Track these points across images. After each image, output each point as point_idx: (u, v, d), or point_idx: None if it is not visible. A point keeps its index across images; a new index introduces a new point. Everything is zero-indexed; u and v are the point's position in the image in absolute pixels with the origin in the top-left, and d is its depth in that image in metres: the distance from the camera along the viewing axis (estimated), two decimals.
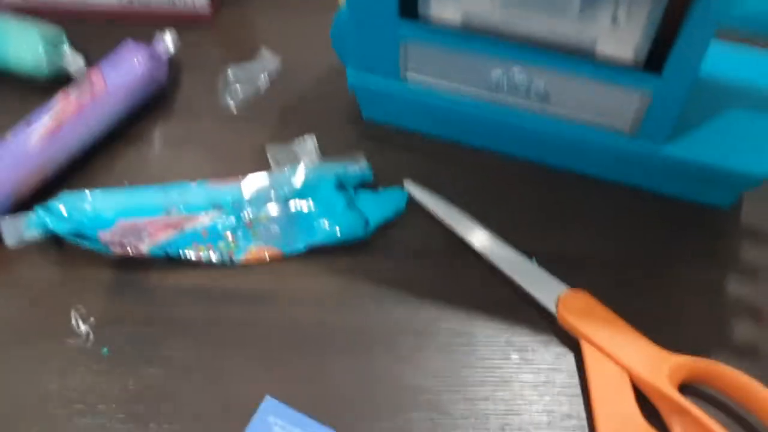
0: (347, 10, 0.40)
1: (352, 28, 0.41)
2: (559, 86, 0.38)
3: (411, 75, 0.42)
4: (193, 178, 0.44)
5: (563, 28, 0.36)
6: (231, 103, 0.49)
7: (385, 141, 0.46)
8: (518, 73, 0.39)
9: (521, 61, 0.38)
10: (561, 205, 0.43)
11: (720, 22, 0.32)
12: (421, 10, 0.38)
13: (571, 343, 0.37)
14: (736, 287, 0.40)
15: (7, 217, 0.40)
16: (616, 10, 0.35)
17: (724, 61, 0.40)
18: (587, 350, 0.36)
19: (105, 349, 0.38)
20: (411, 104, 0.44)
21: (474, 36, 0.38)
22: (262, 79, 0.49)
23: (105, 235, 0.40)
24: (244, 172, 0.44)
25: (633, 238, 0.42)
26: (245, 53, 0.51)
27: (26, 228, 0.40)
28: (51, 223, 0.40)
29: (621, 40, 0.35)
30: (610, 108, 0.38)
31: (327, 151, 0.46)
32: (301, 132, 0.46)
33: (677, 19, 0.32)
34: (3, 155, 0.41)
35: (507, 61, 0.38)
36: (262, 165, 0.45)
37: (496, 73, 0.39)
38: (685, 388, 0.35)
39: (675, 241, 0.42)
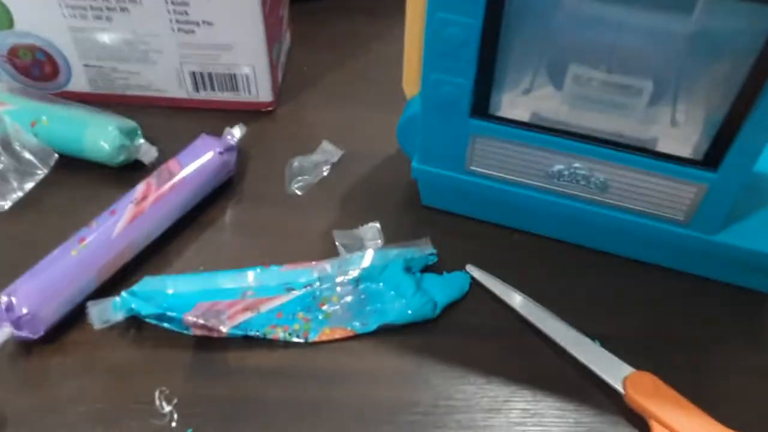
0: (420, 109, 0.43)
1: (422, 126, 0.44)
2: (618, 178, 0.42)
3: (475, 167, 0.45)
4: (262, 262, 0.46)
5: (626, 126, 0.39)
6: (296, 190, 0.51)
7: (444, 226, 0.49)
8: (580, 166, 0.42)
9: (584, 155, 0.41)
10: (616, 288, 0.46)
11: None
12: (492, 110, 0.41)
13: (639, 423, 0.39)
14: None
15: (93, 300, 0.42)
16: (675, 113, 0.38)
17: None
18: (657, 431, 0.38)
19: (190, 431, 0.39)
20: (472, 193, 0.46)
21: (540, 132, 0.41)
22: (324, 169, 0.52)
23: (189, 317, 0.42)
24: (311, 256, 0.47)
25: (686, 321, 0.44)
26: (306, 144, 0.54)
27: (112, 311, 0.42)
28: (136, 306, 0.42)
29: (680, 139, 0.39)
30: (666, 199, 0.41)
31: (389, 235, 0.48)
32: (363, 217, 0.49)
33: (736, 122, 0.36)
34: (90, 243, 0.44)
35: (570, 154, 0.41)
36: (329, 249, 0.48)
37: (559, 165, 0.42)
38: None
39: (725, 324, 0.44)
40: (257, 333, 0.43)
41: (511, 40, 0.39)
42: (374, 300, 0.44)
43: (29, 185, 0.51)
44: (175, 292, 0.44)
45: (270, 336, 0.43)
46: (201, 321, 0.42)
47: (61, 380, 0.42)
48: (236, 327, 0.43)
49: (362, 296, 0.45)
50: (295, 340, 0.43)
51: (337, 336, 0.43)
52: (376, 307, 0.44)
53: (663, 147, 0.39)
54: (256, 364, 0.42)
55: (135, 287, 0.43)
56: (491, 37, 0.38)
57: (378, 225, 0.48)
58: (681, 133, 0.39)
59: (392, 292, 0.44)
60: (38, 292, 0.42)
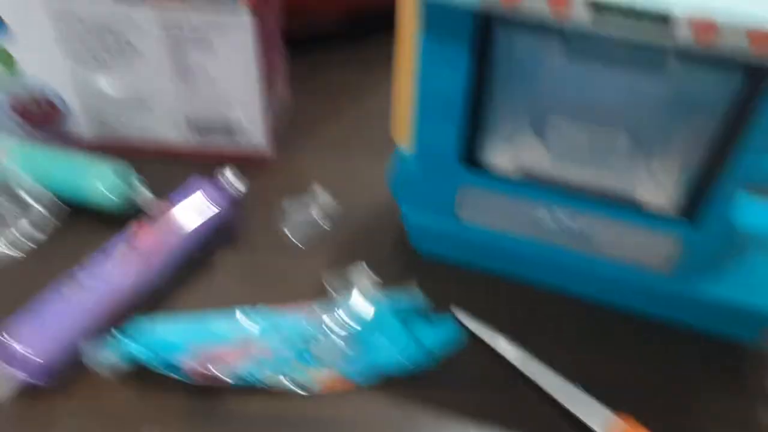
0: (414, 159, 0.45)
1: (411, 175, 0.45)
2: (600, 229, 0.43)
3: (464, 215, 0.46)
4: (254, 305, 0.47)
5: (605, 178, 0.41)
6: (289, 235, 0.53)
7: (434, 271, 0.50)
8: (564, 216, 0.43)
9: (568, 206, 0.43)
10: (601, 336, 0.47)
11: (751, 181, 0.37)
12: (480, 160, 0.43)
13: None
14: (764, 416, 0.43)
15: (88, 343, 0.43)
16: (652, 167, 0.40)
17: (754, 210, 0.45)
18: None
19: None
20: (461, 240, 0.48)
21: (526, 183, 0.43)
22: (317, 215, 0.54)
23: (187, 363, 0.43)
24: (303, 300, 0.48)
25: (669, 369, 0.46)
26: (300, 190, 0.56)
27: (107, 353, 0.43)
28: (131, 349, 0.43)
29: (658, 192, 0.40)
30: (647, 249, 0.43)
31: (379, 279, 0.49)
32: (355, 261, 0.50)
33: (711, 177, 0.37)
34: (86, 286, 0.45)
35: (554, 205, 0.43)
36: (321, 293, 0.49)
37: (544, 215, 0.44)
38: None
39: (705, 372, 0.46)
40: (255, 380, 0.43)
41: (497, 95, 0.41)
42: (367, 347, 0.45)
43: (29, 231, 0.52)
44: (167, 334, 0.45)
45: (267, 382, 0.44)
46: (201, 369, 0.43)
47: (59, 423, 0.42)
48: (233, 374, 0.43)
49: (353, 342, 0.46)
50: (291, 387, 0.44)
51: (331, 385, 0.44)
52: (372, 356, 0.45)
53: (642, 199, 0.41)
54: (253, 412, 0.43)
55: (130, 330, 0.44)
56: (477, 91, 0.40)
57: (368, 269, 0.50)
58: (658, 187, 0.40)
59: (386, 341, 0.45)
60: (39, 336, 0.43)
